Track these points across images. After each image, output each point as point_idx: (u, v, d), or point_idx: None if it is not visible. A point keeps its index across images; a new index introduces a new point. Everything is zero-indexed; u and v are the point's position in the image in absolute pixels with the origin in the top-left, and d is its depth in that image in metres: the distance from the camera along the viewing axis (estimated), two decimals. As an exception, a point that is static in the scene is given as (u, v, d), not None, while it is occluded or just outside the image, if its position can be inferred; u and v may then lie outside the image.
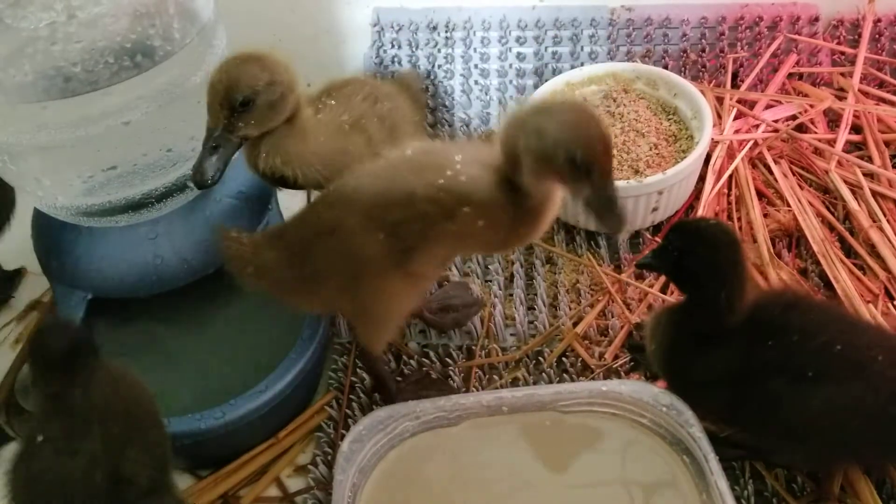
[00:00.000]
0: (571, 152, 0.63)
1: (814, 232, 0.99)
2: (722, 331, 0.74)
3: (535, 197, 0.70)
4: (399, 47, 1.31)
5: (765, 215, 1.03)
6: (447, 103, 1.27)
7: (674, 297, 0.96)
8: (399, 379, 0.90)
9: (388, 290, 0.75)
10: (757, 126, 1.14)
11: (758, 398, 0.72)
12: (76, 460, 0.63)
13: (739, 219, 1.04)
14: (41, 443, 0.64)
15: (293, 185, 0.82)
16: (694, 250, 0.73)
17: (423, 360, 0.92)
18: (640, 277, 0.99)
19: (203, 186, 0.77)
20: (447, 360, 0.92)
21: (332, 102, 0.85)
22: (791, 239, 1.02)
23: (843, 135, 1.12)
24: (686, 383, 0.78)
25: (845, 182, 1.05)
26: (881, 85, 1.22)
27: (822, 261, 0.96)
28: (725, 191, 1.08)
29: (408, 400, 0.81)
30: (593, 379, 0.88)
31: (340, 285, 0.74)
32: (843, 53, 1.24)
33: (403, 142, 0.81)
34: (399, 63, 1.31)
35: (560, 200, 0.72)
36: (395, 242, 0.71)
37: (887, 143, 1.11)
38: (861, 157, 1.10)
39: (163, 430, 0.70)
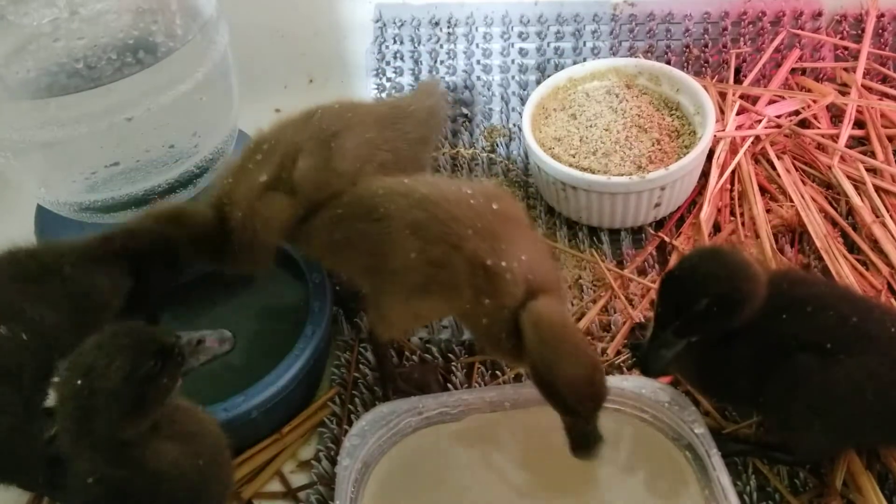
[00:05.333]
0: (562, 401, 0.68)
1: (816, 227, 0.99)
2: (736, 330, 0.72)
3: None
4: (401, 43, 1.31)
5: (767, 211, 1.03)
6: (472, 111, 1.26)
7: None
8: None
9: (393, 300, 0.76)
10: (759, 121, 1.14)
11: (781, 374, 0.70)
12: None
13: (742, 214, 1.04)
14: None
15: None
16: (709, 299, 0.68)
17: (425, 355, 0.92)
18: (642, 273, 0.99)
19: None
20: (449, 355, 0.92)
21: (259, 157, 0.81)
22: (794, 234, 1.01)
23: (846, 130, 1.12)
24: (721, 387, 0.77)
25: (848, 178, 1.05)
26: (884, 80, 1.22)
27: (825, 256, 0.96)
28: (728, 186, 1.08)
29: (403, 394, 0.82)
30: (596, 375, 0.88)
31: (364, 266, 0.77)
32: (846, 49, 1.24)
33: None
34: (401, 59, 1.31)
35: None
36: (419, 270, 0.72)
37: (890, 139, 1.11)
38: (864, 153, 1.09)
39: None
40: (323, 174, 0.80)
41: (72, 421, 0.59)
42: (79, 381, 0.57)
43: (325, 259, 0.83)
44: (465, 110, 1.26)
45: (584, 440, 0.69)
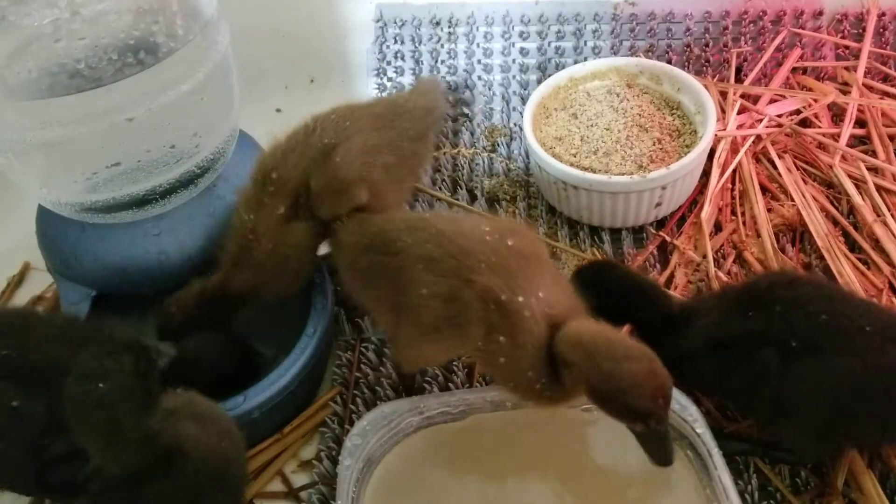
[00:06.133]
0: (633, 405, 0.65)
1: (818, 227, 0.99)
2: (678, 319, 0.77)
3: (571, 390, 0.70)
4: (402, 43, 1.31)
5: (769, 210, 1.03)
6: (471, 110, 1.26)
7: (676, 290, 0.96)
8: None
9: (409, 337, 0.74)
10: (760, 121, 1.14)
11: (743, 369, 0.72)
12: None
13: (743, 213, 1.04)
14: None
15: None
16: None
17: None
18: (643, 272, 0.99)
19: None
20: (451, 355, 0.92)
21: (271, 188, 0.83)
22: (795, 234, 1.01)
23: (847, 129, 1.12)
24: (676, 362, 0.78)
25: (849, 177, 1.05)
26: (885, 79, 1.22)
27: (826, 255, 0.96)
28: (729, 186, 1.08)
29: None
30: (597, 374, 0.88)
31: (385, 300, 0.75)
32: (847, 48, 1.24)
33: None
34: (402, 59, 1.31)
35: None
36: (430, 308, 0.70)
37: (891, 138, 1.11)
38: (865, 152, 1.09)
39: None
40: (333, 190, 0.81)
41: (102, 425, 0.61)
42: (100, 385, 0.60)
43: (352, 289, 0.81)
44: (465, 110, 1.26)
45: (661, 447, 0.67)
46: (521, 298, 0.68)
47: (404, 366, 0.81)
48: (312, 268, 0.88)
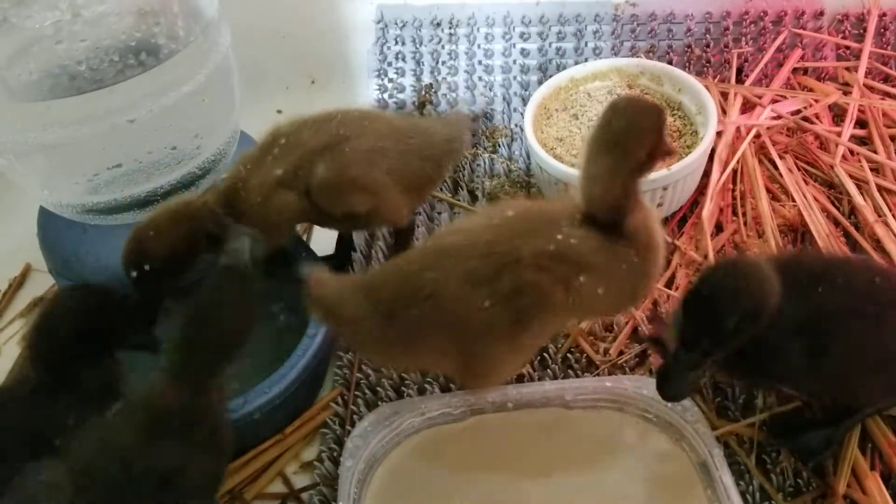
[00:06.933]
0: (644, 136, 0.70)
1: (819, 227, 0.99)
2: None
3: (631, 225, 0.70)
4: (403, 44, 1.31)
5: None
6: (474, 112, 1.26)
7: (678, 291, 0.95)
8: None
9: (495, 356, 0.70)
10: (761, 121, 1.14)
11: (834, 342, 0.69)
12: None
13: (744, 213, 1.04)
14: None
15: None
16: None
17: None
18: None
19: None
20: (452, 356, 0.92)
21: (276, 151, 0.83)
22: (796, 234, 1.01)
23: (848, 130, 1.12)
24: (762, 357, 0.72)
25: (851, 177, 1.05)
26: (886, 79, 1.22)
27: (828, 256, 0.96)
28: (730, 186, 1.08)
29: None
30: (598, 375, 0.88)
31: (440, 348, 0.70)
32: (847, 48, 1.24)
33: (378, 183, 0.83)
34: (403, 60, 1.31)
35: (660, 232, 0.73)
36: (504, 312, 0.67)
37: (892, 138, 1.11)
38: (866, 152, 1.10)
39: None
40: (337, 187, 0.82)
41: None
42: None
43: (390, 360, 0.76)
44: (467, 111, 1.26)
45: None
46: (559, 236, 0.68)
47: (496, 381, 0.77)
48: (285, 237, 0.88)
